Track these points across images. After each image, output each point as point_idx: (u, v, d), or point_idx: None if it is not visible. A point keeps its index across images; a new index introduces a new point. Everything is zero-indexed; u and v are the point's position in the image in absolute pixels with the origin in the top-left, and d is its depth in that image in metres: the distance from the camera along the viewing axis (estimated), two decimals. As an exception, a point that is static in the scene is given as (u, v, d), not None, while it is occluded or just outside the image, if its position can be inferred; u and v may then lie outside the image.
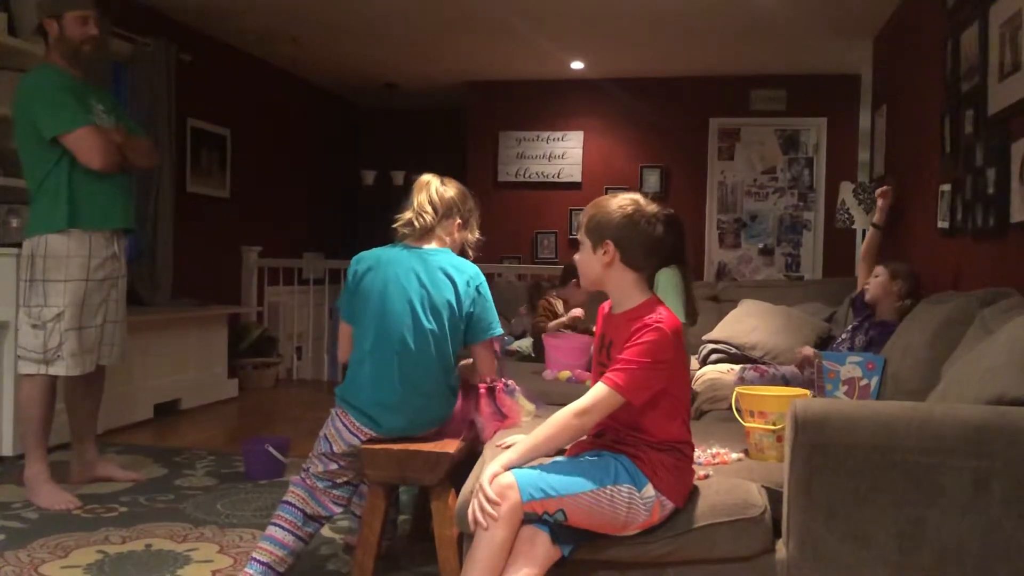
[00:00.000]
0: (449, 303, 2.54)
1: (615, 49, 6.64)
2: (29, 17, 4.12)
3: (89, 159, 3.40)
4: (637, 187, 7.55)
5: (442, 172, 2.77)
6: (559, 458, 2.06)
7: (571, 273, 4.70)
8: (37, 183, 3.43)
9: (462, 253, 2.72)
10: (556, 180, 7.79)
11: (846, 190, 5.10)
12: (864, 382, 3.02)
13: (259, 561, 2.47)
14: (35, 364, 3.41)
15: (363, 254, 2.64)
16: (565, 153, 7.79)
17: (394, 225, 2.67)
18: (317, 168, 8.30)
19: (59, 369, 3.42)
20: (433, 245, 2.64)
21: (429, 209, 2.64)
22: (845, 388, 3.05)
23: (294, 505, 2.55)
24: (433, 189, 2.67)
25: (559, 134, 7.80)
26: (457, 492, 2.18)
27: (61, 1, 3.43)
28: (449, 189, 2.69)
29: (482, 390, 2.64)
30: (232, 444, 4.45)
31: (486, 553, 1.89)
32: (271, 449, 3.82)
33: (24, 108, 3.41)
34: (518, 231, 7.78)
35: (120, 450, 4.27)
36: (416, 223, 2.63)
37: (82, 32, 3.45)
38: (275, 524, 2.54)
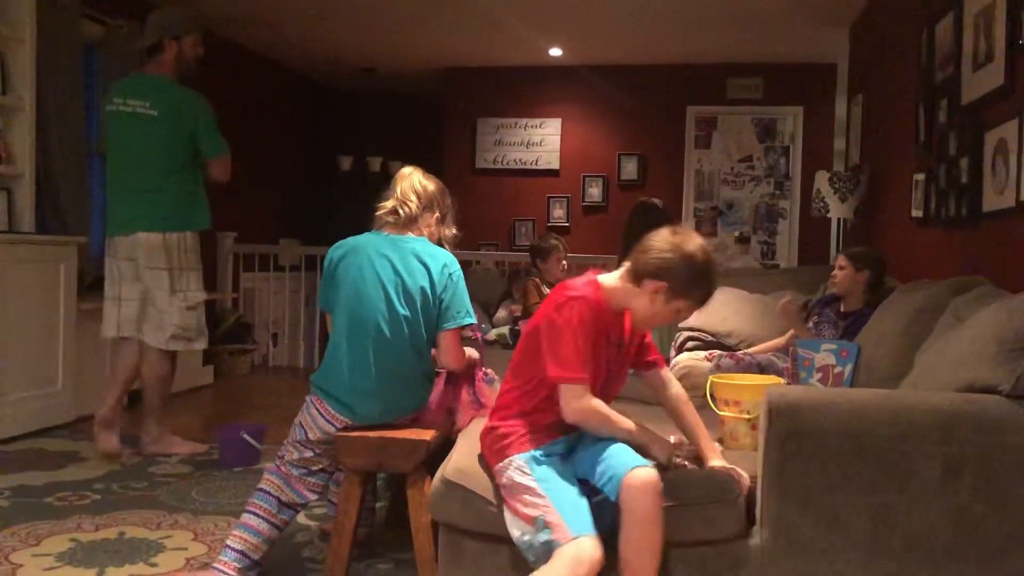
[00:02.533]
0: (423, 289, 2.53)
1: (593, 36, 6.62)
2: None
3: (226, 175, 3.85)
4: (615, 175, 7.58)
5: (420, 158, 2.79)
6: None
7: (534, 254, 4.74)
8: (168, 182, 3.72)
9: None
10: (534, 167, 7.78)
11: (822, 179, 5.13)
12: (838, 370, 3.05)
13: (234, 549, 2.46)
14: (186, 341, 3.86)
15: (340, 242, 2.63)
16: (543, 140, 7.77)
17: (377, 214, 2.65)
18: (293, 153, 8.22)
19: (204, 343, 3.98)
20: (412, 235, 2.63)
21: (413, 198, 2.62)
22: (819, 375, 3.08)
23: (269, 493, 2.54)
24: (416, 180, 2.67)
25: (537, 121, 7.78)
26: (432, 479, 2.18)
27: (184, 24, 3.83)
28: (430, 183, 2.69)
29: (461, 378, 2.63)
30: (207, 431, 4.42)
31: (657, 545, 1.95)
32: (246, 436, 3.80)
33: (191, 118, 3.72)
34: (496, 218, 7.75)
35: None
36: (401, 211, 2.61)
37: (195, 53, 3.86)
38: (250, 512, 2.52)
